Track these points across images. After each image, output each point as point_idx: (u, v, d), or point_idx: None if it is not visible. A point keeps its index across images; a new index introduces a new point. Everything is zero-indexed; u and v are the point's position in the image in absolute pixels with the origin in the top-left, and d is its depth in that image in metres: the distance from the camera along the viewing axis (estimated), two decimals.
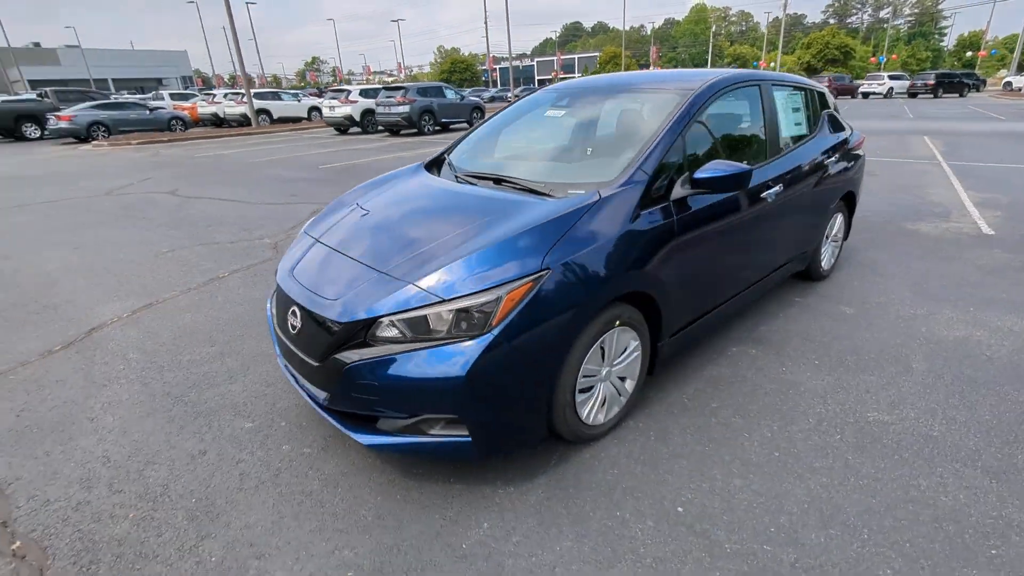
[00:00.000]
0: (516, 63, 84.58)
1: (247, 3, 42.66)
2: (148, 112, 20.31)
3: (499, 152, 3.15)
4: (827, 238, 3.92)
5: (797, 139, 3.41)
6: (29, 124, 19.93)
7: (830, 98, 3.94)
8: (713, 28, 79.05)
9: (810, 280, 4.04)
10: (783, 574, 1.71)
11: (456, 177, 2.85)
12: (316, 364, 2.02)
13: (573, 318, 1.97)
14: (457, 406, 1.84)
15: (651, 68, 67.44)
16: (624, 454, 2.28)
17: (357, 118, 17.91)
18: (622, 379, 2.41)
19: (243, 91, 22.00)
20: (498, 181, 2.64)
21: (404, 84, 17.17)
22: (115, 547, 1.88)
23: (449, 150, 3.31)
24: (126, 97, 23.27)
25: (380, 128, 17.75)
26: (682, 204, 2.43)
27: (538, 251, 1.97)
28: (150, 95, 28.72)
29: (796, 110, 3.49)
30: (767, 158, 3.05)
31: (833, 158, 3.61)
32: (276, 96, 24.12)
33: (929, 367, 2.86)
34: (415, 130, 16.75)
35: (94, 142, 17.92)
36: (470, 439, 1.90)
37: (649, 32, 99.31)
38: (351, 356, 1.91)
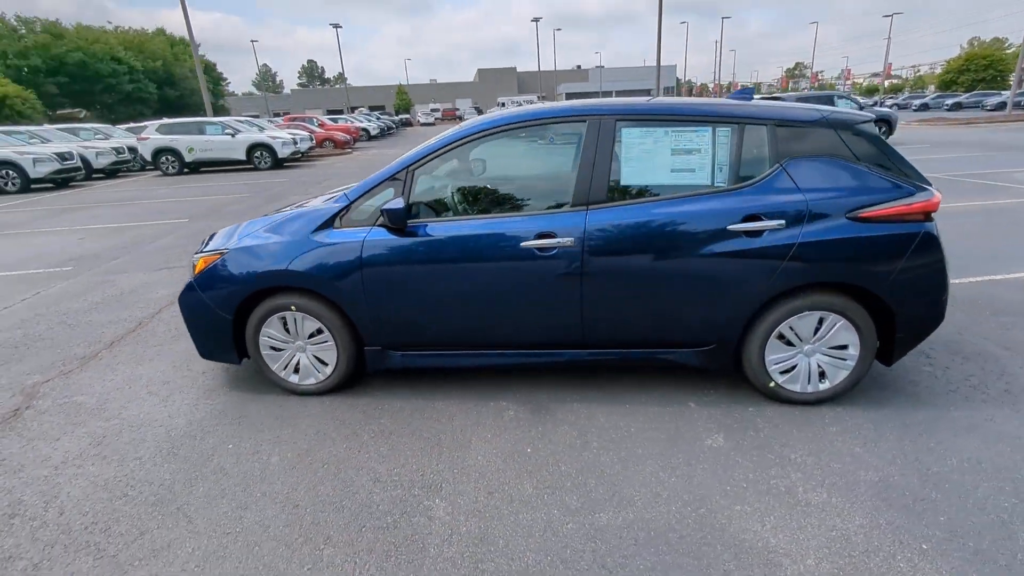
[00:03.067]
0: None
1: (723, 18, 44.28)
2: None
3: None
4: (784, 341, 2.54)
5: (682, 189, 2.48)
6: None
7: (826, 136, 2.38)
8: None
9: (760, 394, 2.72)
10: None
11: None
12: None
13: (233, 289, 2.76)
14: (183, 317, 3.01)
15: None
16: (279, 411, 2.86)
17: None
18: (323, 362, 2.90)
19: None
20: None
21: (781, 95, 15.27)
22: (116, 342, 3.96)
23: None
24: None
25: None
26: (399, 232, 2.62)
27: (232, 238, 2.84)
28: None
29: (684, 153, 2.46)
30: (570, 207, 2.51)
31: (773, 223, 2.36)
32: None
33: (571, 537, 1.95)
34: None
35: None
36: (192, 340, 3.04)
37: None
38: None
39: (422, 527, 2.00)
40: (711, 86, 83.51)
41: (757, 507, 2.02)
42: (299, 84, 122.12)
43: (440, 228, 2.61)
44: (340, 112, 51.67)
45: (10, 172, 13.30)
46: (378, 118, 39.95)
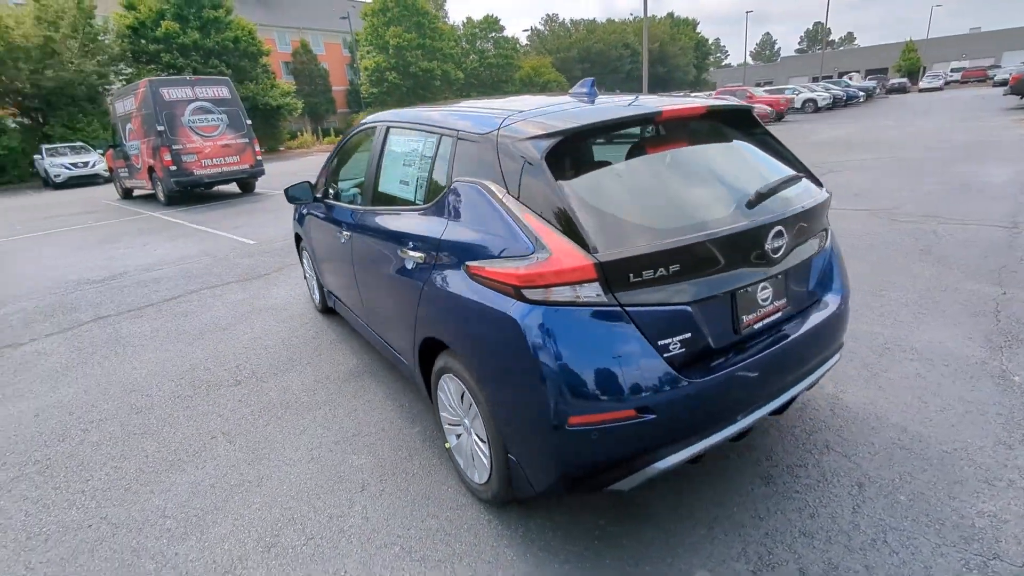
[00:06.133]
0: None
1: None
2: None
3: None
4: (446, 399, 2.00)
5: (402, 202, 2.25)
6: None
7: (489, 155, 1.48)
8: None
9: None
10: None
11: None
12: None
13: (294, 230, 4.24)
14: None
15: None
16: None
17: None
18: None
19: None
20: None
21: None
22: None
23: None
24: None
25: None
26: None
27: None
28: None
29: (406, 164, 2.11)
30: (360, 203, 2.70)
31: (417, 256, 1.92)
32: None
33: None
34: None
35: None
36: None
37: None
38: None
39: (155, 425, 3.01)
40: None
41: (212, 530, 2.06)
42: (797, 50, 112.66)
43: (325, 205, 3.28)
44: (829, 78, 45.05)
45: None
46: (845, 84, 33.48)
